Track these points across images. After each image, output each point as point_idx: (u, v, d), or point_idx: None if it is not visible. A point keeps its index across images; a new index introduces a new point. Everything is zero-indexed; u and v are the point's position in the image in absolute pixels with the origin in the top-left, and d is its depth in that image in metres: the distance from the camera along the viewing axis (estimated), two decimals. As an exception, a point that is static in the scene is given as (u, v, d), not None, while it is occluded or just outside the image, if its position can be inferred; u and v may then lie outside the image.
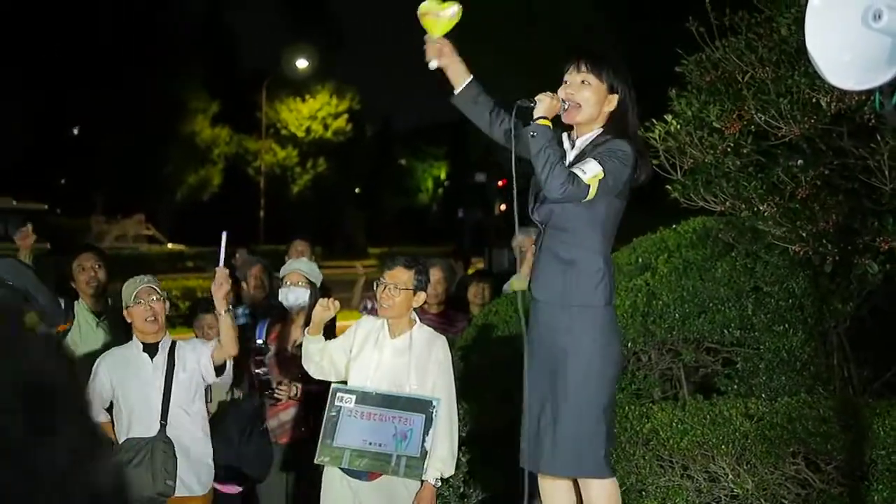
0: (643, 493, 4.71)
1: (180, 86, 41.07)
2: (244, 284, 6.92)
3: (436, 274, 6.30)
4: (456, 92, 3.95)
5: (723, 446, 4.46)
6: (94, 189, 40.82)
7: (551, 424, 3.80)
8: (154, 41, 38.95)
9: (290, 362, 5.32)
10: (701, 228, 5.96)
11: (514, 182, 3.84)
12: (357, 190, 54.32)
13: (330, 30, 51.00)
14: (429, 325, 4.76)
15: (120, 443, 4.72)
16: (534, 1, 20.93)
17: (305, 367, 4.70)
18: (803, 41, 2.60)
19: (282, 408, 5.35)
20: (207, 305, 5.53)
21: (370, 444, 4.40)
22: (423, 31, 3.89)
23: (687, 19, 5.04)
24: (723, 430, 4.51)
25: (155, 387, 4.77)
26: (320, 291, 5.52)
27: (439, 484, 4.52)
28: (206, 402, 5.04)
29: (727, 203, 5.03)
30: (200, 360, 4.83)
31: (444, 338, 4.63)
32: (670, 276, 5.57)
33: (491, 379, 5.50)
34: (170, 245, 37.85)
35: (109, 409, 4.84)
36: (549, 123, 3.70)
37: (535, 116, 3.69)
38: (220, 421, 5.29)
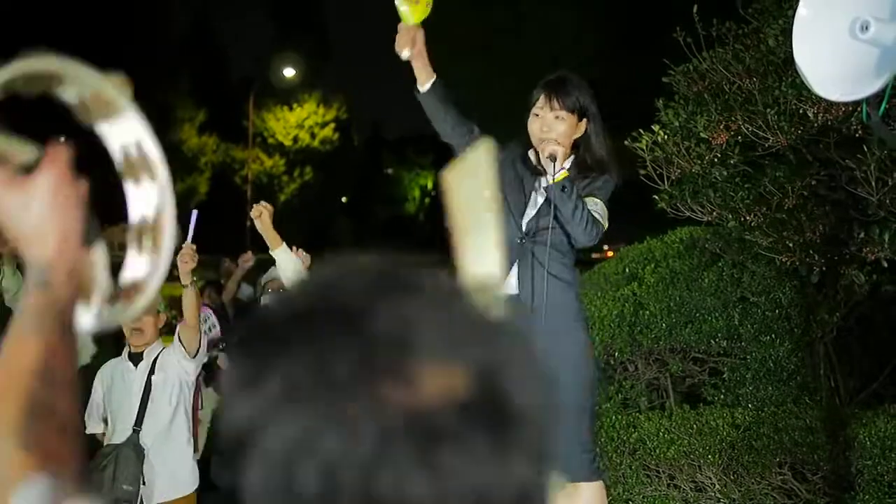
0: (630, 502, 4.70)
1: (167, 94, 40.99)
2: (226, 286, 7.36)
3: None
4: (423, 89, 3.94)
5: (709, 456, 4.46)
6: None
7: None
8: (141, 49, 38.89)
9: None
10: (688, 238, 5.97)
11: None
12: (344, 199, 54.27)
13: (317, 39, 50.99)
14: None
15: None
16: (521, 9, 20.97)
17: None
18: (791, 52, 2.61)
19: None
20: None
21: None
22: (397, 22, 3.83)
23: (675, 30, 5.05)
24: (709, 439, 4.51)
25: (134, 393, 4.79)
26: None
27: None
28: (199, 407, 5.03)
29: (714, 213, 5.03)
30: (181, 361, 4.82)
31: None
32: (657, 286, 5.58)
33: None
34: (156, 253, 37.70)
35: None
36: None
37: (556, 170, 3.79)
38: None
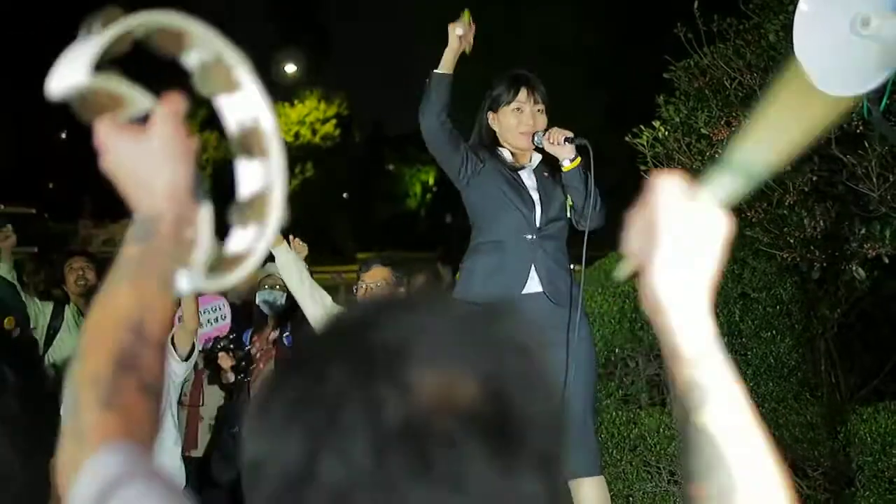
0: (630, 498, 4.71)
1: (168, 90, 40.97)
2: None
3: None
4: (441, 71, 3.98)
5: (710, 452, 4.46)
6: (82, 193, 40.69)
7: None
8: (140, 45, 38.85)
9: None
10: (689, 235, 5.96)
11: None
12: (345, 195, 54.22)
13: (318, 35, 50.96)
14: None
15: None
16: (520, 9, 20.95)
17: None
18: (791, 47, 2.60)
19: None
20: None
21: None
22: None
23: (675, 26, 5.05)
24: (710, 436, 4.51)
25: None
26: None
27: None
28: (200, 404, 5.02)
29: (715, 209, 5.02)
30: (169, 362, 4.79)
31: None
32: (658, 282, 5.57)
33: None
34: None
35: None
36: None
37: (576, 155, 3.88)
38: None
